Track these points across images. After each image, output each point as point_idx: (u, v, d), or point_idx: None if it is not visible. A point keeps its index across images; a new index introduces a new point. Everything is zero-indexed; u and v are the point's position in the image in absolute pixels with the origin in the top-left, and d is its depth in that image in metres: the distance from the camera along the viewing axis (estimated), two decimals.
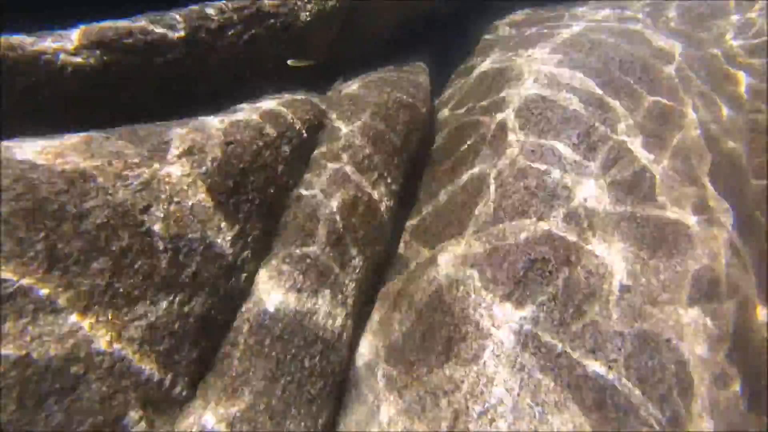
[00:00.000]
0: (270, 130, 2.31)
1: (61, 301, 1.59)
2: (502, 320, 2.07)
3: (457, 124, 3.06)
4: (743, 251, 2.39)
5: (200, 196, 2.00)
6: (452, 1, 4.27)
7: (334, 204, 2.40)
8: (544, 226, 2.28)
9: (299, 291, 2.22)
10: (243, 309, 2.15)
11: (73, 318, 1.59)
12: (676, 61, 2.98)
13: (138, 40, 2.18)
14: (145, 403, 1.66)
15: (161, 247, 1.85)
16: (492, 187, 2.47)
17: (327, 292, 2.28)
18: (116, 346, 1.65)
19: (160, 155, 1.97)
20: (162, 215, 1.88)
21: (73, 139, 1.87)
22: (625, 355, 1.96)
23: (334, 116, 2.54)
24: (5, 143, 1.73)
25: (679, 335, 2.05)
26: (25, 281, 1.52)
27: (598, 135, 2.53)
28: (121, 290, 1.72)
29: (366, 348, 2.38)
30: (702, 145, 2.62)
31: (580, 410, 1.83)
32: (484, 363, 1.99)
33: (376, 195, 2.53)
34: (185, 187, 1.97)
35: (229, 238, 2.10)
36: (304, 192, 2.41)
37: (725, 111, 2.86)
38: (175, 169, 1.97)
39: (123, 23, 2.13)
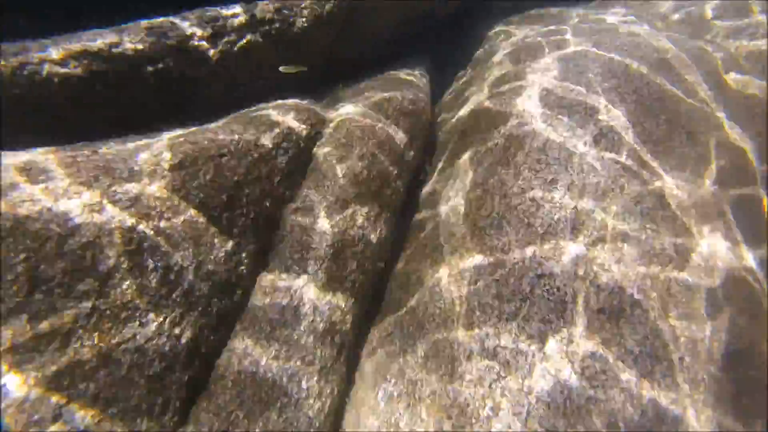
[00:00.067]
0: (265, 141, 2.23)
1: (44, 327, 1.51)
2: None
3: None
4: None
5: (191, 212, 1.92)
6: (452, 0, 4.19)
7: (331, 222, 2.31)
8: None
9: (295, 308, 2.13)
10: (238, 327, 2.07)
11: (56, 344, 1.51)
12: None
13: (127, 49, 2.11)
14: None
15: (151, 266, 1.77)
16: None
17: (325, 313, 2.20)
18: (102, 373, 1.57)
19: (150, 169, 1.88)
20: (152, 232, 1.80)
21: (59, 152, 1.79)
22: None
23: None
24: None
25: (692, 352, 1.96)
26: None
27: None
28: (108, 312, 1.64)
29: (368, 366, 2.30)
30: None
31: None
32: None
33: (373, 225, 2.44)
34: (176, 202, 1.89)
35: (223, 254, 2.01)
36: (301, 204, 2.33)
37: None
38: (166, 184, 1.89)
39: (110, 32, 2.05)
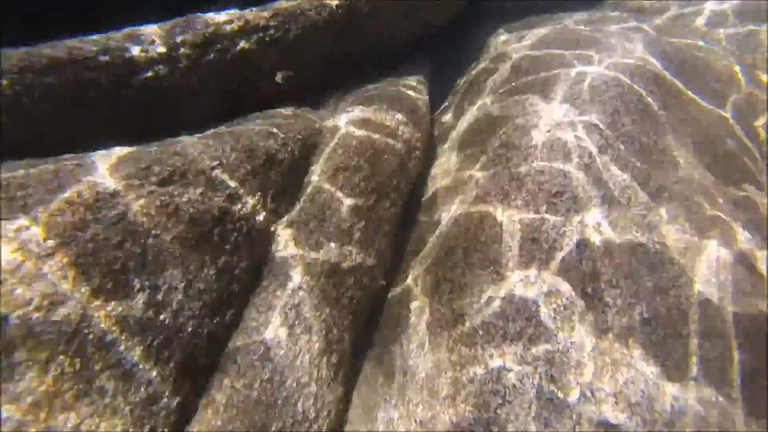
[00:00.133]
0: (260, 151, 2.14)
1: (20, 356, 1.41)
2: None
3: None
4: None
5: (180, 228, 1.83)
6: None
7: (331, 234, 2.23)
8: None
9: (291, 327, 2.04)
10: (230, 347, 1.97)
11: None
12: None
13: (114, 57, 2.02)
14: None
15: (137, 287, 1.68)
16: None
17: (322, 329, 2.11)
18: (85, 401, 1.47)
19: (137, 183, 1.79)
20: (138, 251, 1.71)
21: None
22: None
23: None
24: None
25: None
26: None
27: None
28: (90, 337, 1.54)
29: None
30: None
31: None
32: None
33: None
34: (164, 219, 1.80)
35: (213, 272, 1.92)
36: (295, 219, 2.24)
37: None
38: (153, 200, 1.80)
39: (93, 39, 1.97)
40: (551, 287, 2.01)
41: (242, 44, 2.40)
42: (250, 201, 2.06)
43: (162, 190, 1.82)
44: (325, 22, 2.77)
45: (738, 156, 2.57)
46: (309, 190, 2.35)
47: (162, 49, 2.15)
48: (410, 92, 3.18)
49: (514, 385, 1.79)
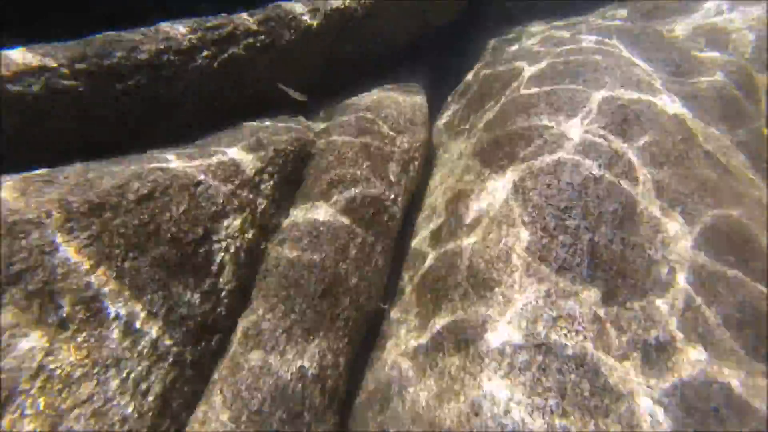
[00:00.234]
0: (248, 165, 2.01)
1: None
2: None
3: None
4: None
5: (161, 249, 1.69)
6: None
7: (323, 251, 2.09)
8: None
9: (282, 354, 1.90)
10: (216, 377, 1.83)
11: None
12: None
13: (93, 64, 1.89)
14: None
15: (112, 315, 1.54)
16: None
17: (315, 354, 1.96)
18: None
19: (114, 200, 1.66)
20: (114, 274, 1.57)
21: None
22: None
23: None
24: None
25: None
26: None
27: None
28: (57, 372, 1.40)
29: None
30: None
31: None
32: None
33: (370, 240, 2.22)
34: (144, 239, 1.66)
35: (199, 294, 1.78)
36: (287, 235, 2.11)
37: None
38: (132, 218, 1.67)
39: (74, 44, 1.84)
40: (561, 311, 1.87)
41: (231, 50, 2.28)
42: (239, 218, 1.93)
43: (141, 208, 1.68)
44: (320, 26, 2.65)
45: None
46: (302, 204, 2.22)
47: (144, 56, 2.02)
48: (409, 98, 3.06)
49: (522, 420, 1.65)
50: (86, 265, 1.52)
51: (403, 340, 2.11)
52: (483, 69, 3.44)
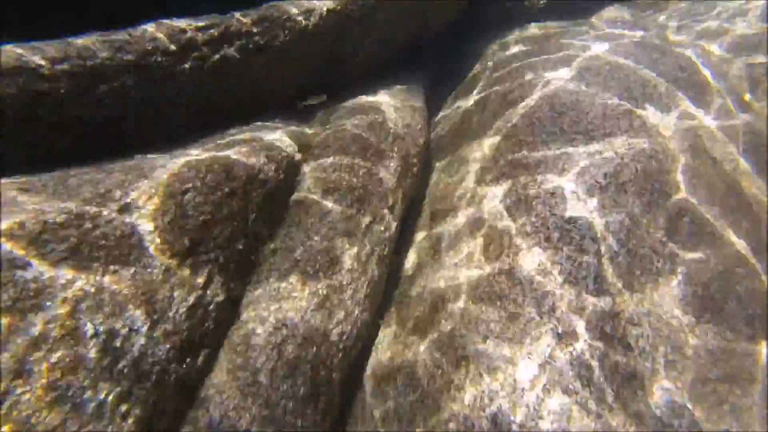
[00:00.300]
0: (238, 173, 1.92)
1: None
2: None
3: None
4: None
5: (144, 260, 1.60)
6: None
7: (318, 261, 2.00)
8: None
9: (272, 371, 1.81)
10: (202, 395, 1.73)
11: None
12: None
13: (75, 65, 1.80)
14: None
15: (90, 332, 1.44)
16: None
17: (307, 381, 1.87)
18: None
19: (95, 211, 1.56)
20: (92, 289, 1.48)
21: None
22: None
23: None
24: None
25: None
26: None
27: None
28: (27, 397, 1.30)
29: None
30: None
31: None
32: None
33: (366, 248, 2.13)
34: (126, 251, 1.56)
35: (184, 309, 1.69)
36: (280, 244, 2.01)
37: None
38: (114, 230, 1.57)
39: (55, 44, 1.74)
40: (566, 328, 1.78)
41: (224, 51, 2.19)
42: (228, 227, 1.83)
43: (122, 218, 1.59)
44: (316, 27, 2.56)
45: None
46: (295, 211, 2.13)
47: (130, 57, 1.93)
48: (407, 101, 2.97)
49: None
50: (62, 280, 1.42)
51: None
52: (481, 76, 3.35)
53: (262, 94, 2.61)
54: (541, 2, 4.17)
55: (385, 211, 2.27)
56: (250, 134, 2.25)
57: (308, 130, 2.55)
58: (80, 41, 1.81)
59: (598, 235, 1.93)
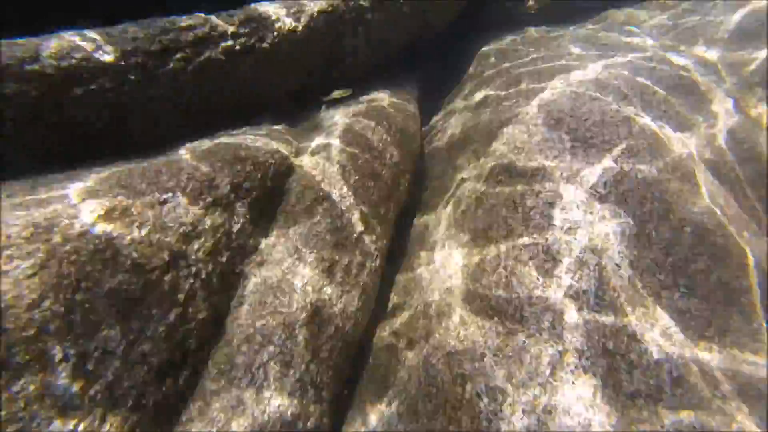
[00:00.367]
0: (222, 182, 1.82)
1: None
2: None
3: None
4: None
5: (120, 278, 1.49)
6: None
7: (305, 279, 1.91)
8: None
9: (258, 390, 1.71)
10: (184, 418, 1.63)
11: None
12: None
13: (48, 66, 1.68)
14: None
15: (58, 356, 1.33)
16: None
17: (296, 390, 1.77)
18: None
19: (66, 222, 1.45)
20: (62, 309, 1.37)
21: None
22: None
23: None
24: None
25: None
26: None
27: None
28: None
29: None
30: None
31: None
32: None
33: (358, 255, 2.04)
34: (99, 268, 1.46)
35: (164, 328, 1.58)
36: (267, 257, 1.92)
37: None
38: (86, 244, 1.46)
39: (30, 42, 1.63)
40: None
41: (208, 53, 2.08)
42: (210, 240, 1.73)
43: (96, 231, 1.48)
44: (306, 28, 2.47)
45: None
46: (283, 222, 2.03)
47: (110, 58, 1.82)
48: (400, 105, 2.89)
49: None
50: (28, 300, 1.31)
51: None
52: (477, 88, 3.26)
53: (248, 97, 2.51)
54: (538, 4, 4.11)
55: (376, 221, 2.18)
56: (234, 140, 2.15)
57: (297, 134, 2.45)
58: (54, 38, 1.70)
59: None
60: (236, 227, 1.84)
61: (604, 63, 2.74)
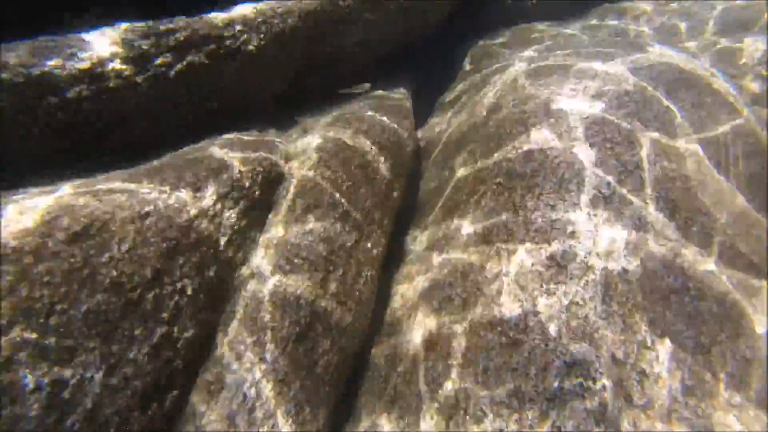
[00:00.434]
0: (207, 192, 1.73)
1: None
2: None
3: None
4: None
5: (98, 299, 1.40)
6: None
7: (298, 291, 1.82)
8: None
9: (250, 412, 1.62)
10: None
11: None
12: None
13: (17, 74, 1.59)
14: None
15: (30, 386, 1.24)
16: None
17: (290, 410, 1.69)
18: None
19: (37, 241, 1.36)
20: (34, 335, 1.27)
21: None
22: None
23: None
24: None
25: None
26: None
27: None
28: None
29: None
30: None
31: None
32: None
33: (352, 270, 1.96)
34: (74, 288, 1.36)
35: (147, 349, 1.49)
36: (257, 269, 1.83)
37: None
38: (60, 263, 1.37)
39: None
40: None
41: (190, 57, 1.99)
42: (196, 253, 1.64)
43: (72, 250, 1.39)
44: (293, 29, 2.38)
45: None
46: (274, 231, 1.94)
47: (85, 65, 1.73)
48: (394, 107, 2.81)
49: None
50: None
51: None
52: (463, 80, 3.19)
53: (234, 102, 2.42)
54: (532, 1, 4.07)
55: (370, 229, 2.10)
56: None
57: (285, 140, 2.37)
58: (25, 47, 1.60)
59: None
60: (224, 239, 1.75)
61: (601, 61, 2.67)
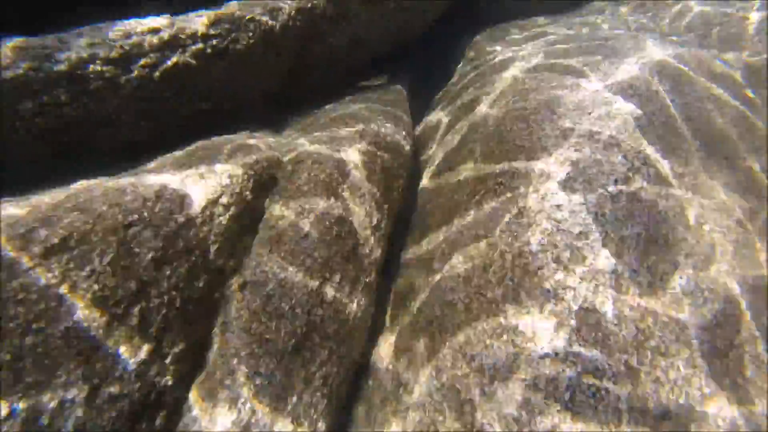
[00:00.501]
0: (196, 198, 1.64)
1: None
2: None
3: None
4: None
5: (81, 313, 1.31)
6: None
7: (292, 295, 1.74)
8: None
9: (244, 428, 1.53)
10: None
11: None
12: None
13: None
14: None
15: (3, 412, 1.15)
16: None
17: (287, 421, 1.61)
18: None
19: (11, 256, 1.27)
20: (8, 357, 1.19)
21: None
22: None
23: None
24: None
25: None
26: None
27: None
28: None
29: None
30: None
31: None
32: None
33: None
34: (53, 304, 1.28)
35: (134, 366, 1.41)
36: (250, 278, 1.74)
37: None
38: (40, 275, 1.28)
39: None
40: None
41: (175, 57, 1.91)
42: (185, 264, 1.56)
43: (50, 263, 1.30)
44: (283, 28, 2.30)
45: None
46: (268, 237, 1.86)
47: (62, 67, 1.64)
48: (390, 107, 2.73)
49: None
50: None
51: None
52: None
53: (223, 103, 2.33)
54: None
55: (369, 231, 2.02)
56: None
57: (278, 141, 2.28)
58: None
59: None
60: (214, 247, 1.67)
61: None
